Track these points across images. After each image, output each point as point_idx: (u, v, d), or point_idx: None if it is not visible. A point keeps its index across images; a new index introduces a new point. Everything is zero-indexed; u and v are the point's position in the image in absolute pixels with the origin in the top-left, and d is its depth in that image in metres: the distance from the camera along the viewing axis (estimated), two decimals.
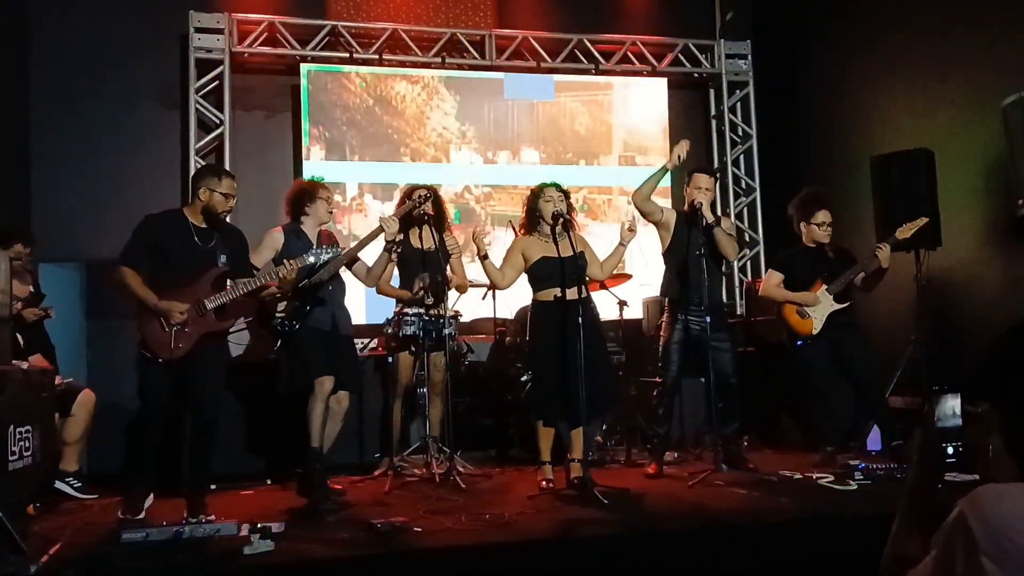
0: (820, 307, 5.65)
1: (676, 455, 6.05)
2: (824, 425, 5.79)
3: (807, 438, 6.18)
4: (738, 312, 8.11)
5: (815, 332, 5.64)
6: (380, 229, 4.99)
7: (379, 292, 5.72)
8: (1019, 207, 5.47)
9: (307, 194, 5.23)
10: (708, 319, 5.34)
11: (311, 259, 4.69)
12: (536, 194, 5.19)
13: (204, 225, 4.52)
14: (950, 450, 1.70)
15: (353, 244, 5.07)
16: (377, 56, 7.81)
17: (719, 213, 5.86)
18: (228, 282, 4.55)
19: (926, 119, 6.66)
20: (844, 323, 5.63)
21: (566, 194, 5.19)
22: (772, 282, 5.84)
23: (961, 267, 6.22)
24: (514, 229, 5.48)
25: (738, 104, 8.75)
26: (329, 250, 4.78)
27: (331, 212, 5.24)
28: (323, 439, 5.03)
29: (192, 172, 7.23)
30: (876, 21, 7.27)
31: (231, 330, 4.70)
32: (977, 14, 6.23)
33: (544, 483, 4.93)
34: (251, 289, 4.54)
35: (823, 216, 5.73)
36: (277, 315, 4.82)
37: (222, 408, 5.62)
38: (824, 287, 5.65)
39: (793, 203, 5.94)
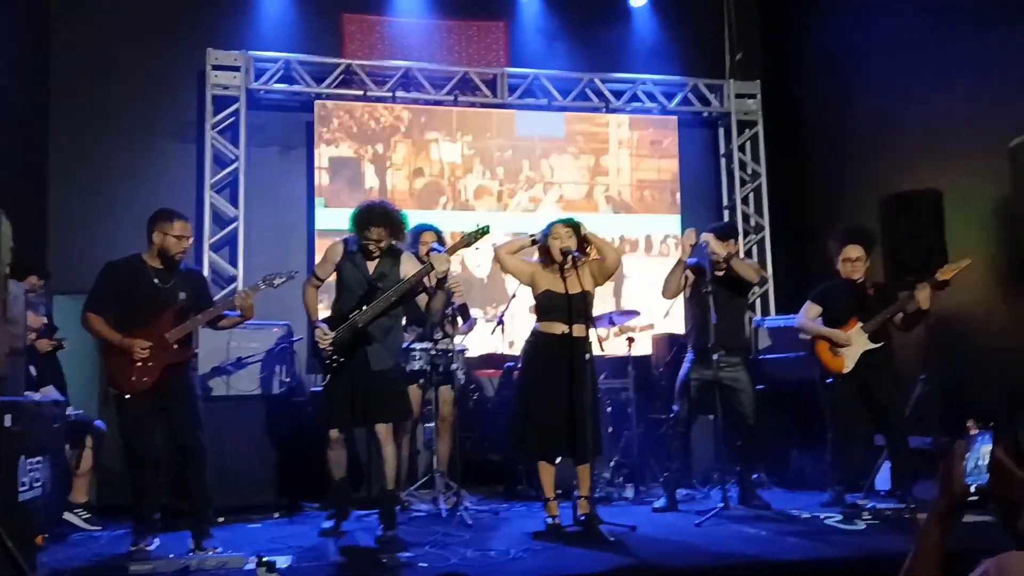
0: (854, 346, 5.53)
1: (686, 492, 6.04)
2: (840, 464, 5.69)
3: (819, 476, 6.15)
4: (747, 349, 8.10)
5: (846, 370, 5.54)
6: (430, 267, 4.76)
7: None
8: None
9: (358, 226, 4.89)
10: (725, 359, 5.37)
11: (262, 285, 4.73)
12: (545, 232, 5.23)
13: (162, 267, 4.64)
14: (973, 488, 1.68)
15: (416, 270, 4.92)
16: (390, 93, 7.93)
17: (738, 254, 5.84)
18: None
19: (934, 160, 6.69)
20: (877, 363, 5.52)
21: (577, 230, 5.16)
22: (810, 315, 5.72)
23: (970, 307, 6.22)
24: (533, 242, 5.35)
25: (747, 143, 8.81)
26: (283, 274, 4.80)
27: (372, 252, 4.86)
28: (392, 476, 4.88)
29: (207, 206, 7.39)
30: (884, 62, 7.34)
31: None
32: (985, 56, 6.28)
33: (550, 520, 4.92)
34: (211, 318, 4.68)
35: (852, 251, 5.61)
36: (326, 348, 4.76)
37: (233, 441, 5.73)
38: (859, 325, 5.53)
39: (831, 234, 5.86)
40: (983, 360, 6.18)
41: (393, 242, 4.96)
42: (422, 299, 5.00)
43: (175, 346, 4.55)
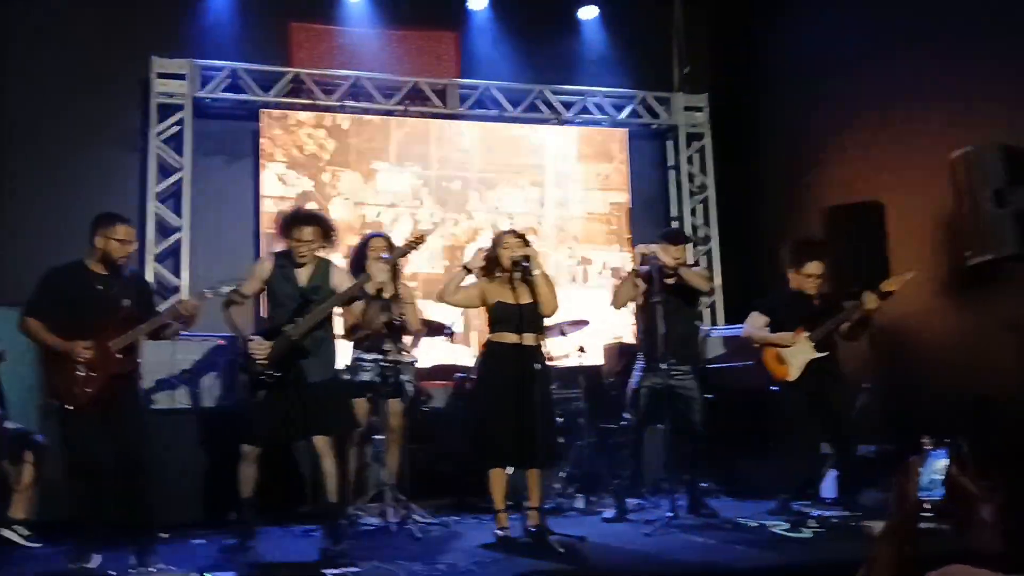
0: (799, 354, 5.55)
1: (636, 502, 6.05)
2: (787, 472, 5.73)
3: (767, 484, 6.21)
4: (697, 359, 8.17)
5: (791, 379, 5.57)
6: (367, 277, 4.73)
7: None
8: (967, 259, 5.61)
9: (285, 230, 4.82)
10: (676, 367, 5.40)
11: (209, 294, 4.60)
12: (495, 242, 5.22)
13: (105, 272, 4.53)
14: (928, 504, 1.70)
15: (346, 287, 4.87)
16: (339, 103, 7.87)
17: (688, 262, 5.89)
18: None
19: (877, 172, 6.83)
20: (823, 372, 5.54)
21: (525, 240, 5.19)
22: (756, 324, 5.75)
23: (912, 317, 6.34)
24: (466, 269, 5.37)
25: (696, 155, 8.90)
26: (232, 282, 4.68)
27: (304, 255, 4.77)
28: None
29: (151, 216, 7.26)
30: (830, 76, 7.50)
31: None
32: (926, 73, 6.44)
33: (500, 532, 4.89)
34: (155, 327, 4.55)
35: (813, 268, 5.60)
36: (259, 362, 4.64)
37: (177, 455, 5.62)
38: (805, 334, 5.56)
39: (786, 246, 5.87)
40: (926, 369, 6.32)
41: (324, 246, 4.89)
42: (357, 307, 4.91)
43: (118, 356, 4.43)
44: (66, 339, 4.37)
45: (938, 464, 1.70)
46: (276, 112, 7.73)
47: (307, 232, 4.76)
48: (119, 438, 4.47)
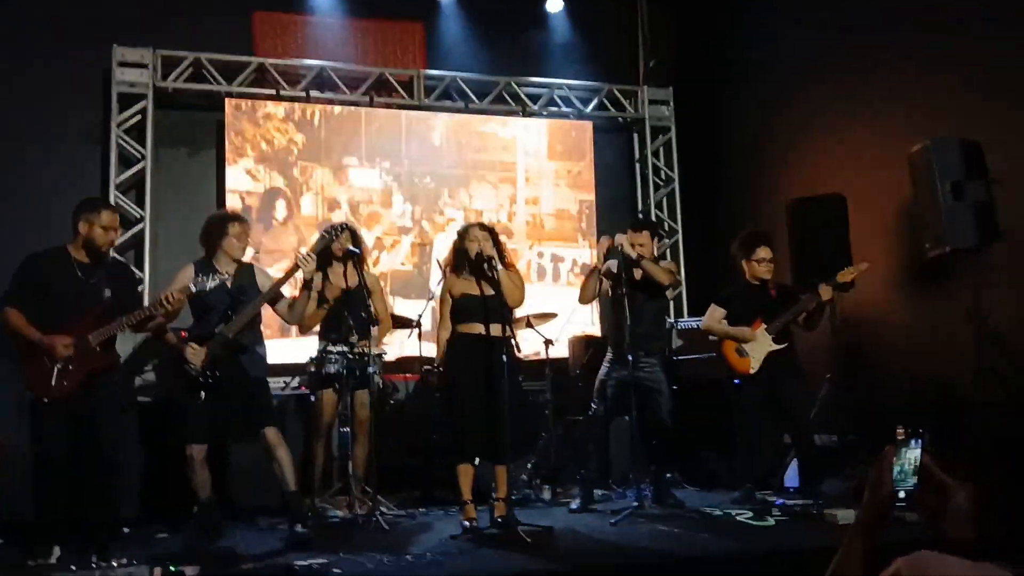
0: (759, 347, 5.64)
1: (602, 492, 6.09)
2: (749, 462, 5.82)
3: (731, 474, 6.28)
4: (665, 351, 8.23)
5: (752, 371, 5.65)
6: (296, 266, 4.88)
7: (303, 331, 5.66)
8: (926, 251, 5.70)
9: (216, 229, 5.00)
10: (644, 359, 5.42)
11: (194, 288, 4.54)
12: (461, 235, 5.22)
13: (87, 260, 4.44)
14: (902, 494, 1.72)
15: (269, 284, 4.94)
16: (304, 93, 7.80)
17: (654, 255, 5.90)
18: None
19: (840, 166, 6.92)
20: (782, 363, 5.63)
21: (492, 233, 5.20)
22: (714, 317, 5.82)
23: (873, 308, 6.44)
24: (440, 266, 5.50)
25: (661, 148, 8.96)
26: (215, 277, 4.59)
27: (243, 248, 5.01)
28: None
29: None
30: (793, 71, 7.58)
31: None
32: (887, 68, 6.53)
33: (467, 523, 4.90)
34: (137, 320, 4.46)
35: (763, 252, 5.73)
36: (192, 365, 4.61)
37: (137, 449, 5.55)
38: (763, 327, 5.65)
39: (736, 242, 5.95)
40: (886, 359, 6.42)
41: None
42: (283, 306, 4.99)
43: (97, 349, 4.34)
44: (44, 328, 4.27)
45: (911, 454, 1.73)
46: (243, 103, 7.63)
47: (237, 227, 4.97)
48: (92, 435, 4.39)
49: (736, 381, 5.77)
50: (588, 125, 8.69)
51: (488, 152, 8.33)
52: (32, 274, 4.40)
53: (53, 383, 4.24)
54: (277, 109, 7.73)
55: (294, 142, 7.74)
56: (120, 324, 4.40)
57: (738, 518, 5.13)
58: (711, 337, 5.94)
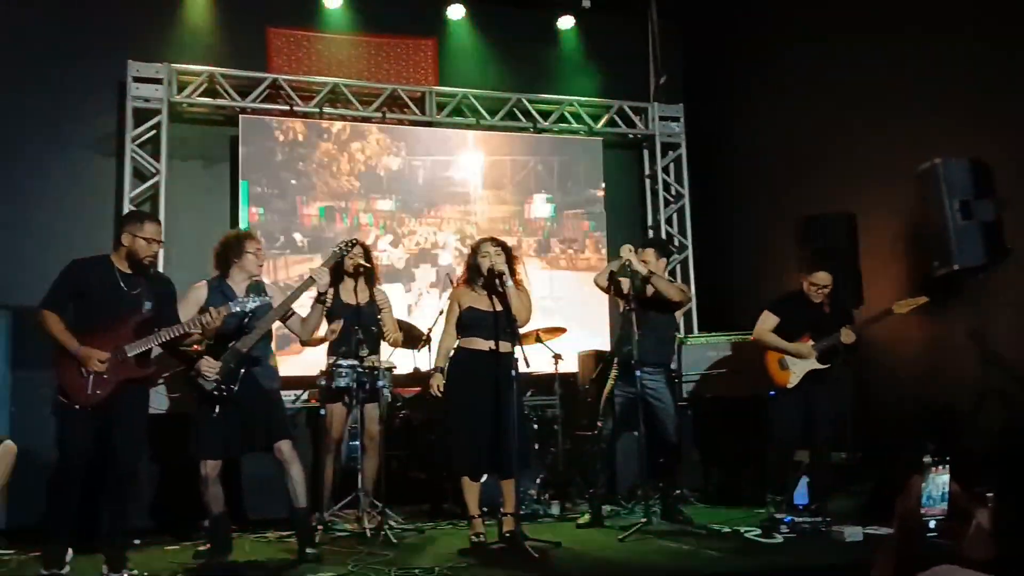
0: (802, 362, 5.59)
1: (610, 508, 6.10)
2: (782, 476, 5.67)
3: (739, 491, 6.28)
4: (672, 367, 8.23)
5: (790, 385, 5.61)
6: (311, 281, 4.87)
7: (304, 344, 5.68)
8: (934, 269, 5.71)
9: (233, 247, 5.01)
10: (639, 374, 5.43)
11: (236, 308, 4.56)
12: (474, 249, 5.26)
13: (130, 271, 4.48)
14: (932, 524, 1.72)
15: (282, 299, 4.95)
16: (317, 109, 7.88)
17: (664, 275, 5.88)
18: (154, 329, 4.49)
19: (849, 183, 6.94)
20: (821, 380, 5.59)
21: (506, 249, 5.20)
22: (767, 325, 5.74)
23: (879, 325, 6.42)
24: (451, 281, 5.54)
25: (671, 164, 8.99)
26: (256, 299, 4.63)
27: (260, 265, 5.03)
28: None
29: None
30: (803, 88, 7.61)
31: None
32: (897, 86, 6.55)
33: (475, 537, 4.91)
34: (174, 337, 4.46)
35: (821, 278, 5.60)
36: (207, 379, 4.63)
37: (151, 461, 5.59)
38: (810, 343, 5.59)
39: (803, 253, 5.92)
40: (893, 378, 6.41)
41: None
42: (294, 322, 4.99)
43: (133, 360, 4.35)
44: (83, 334, 4.30)
45: (940, 480, 1.73)
46: (256, 118, 7.72)
47: (253, 244, 4.98)
48: (114, 444, 4.38)
49: (772, 393, 5.72)
50: (596, 142, 8.72)
51: (496, 168, 8.40)
52: (74, 280, 4.41)
53: (88, 391, 4.25)
54: (288, 121, 7.81)
55: (304, 155, 7.81)
56: (157, 337, 4.40)
57: (746, 535, 5.13)
58: (763, 347, 5.78)
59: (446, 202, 8.20)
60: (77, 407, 4.26)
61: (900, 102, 6.52)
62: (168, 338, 4.42)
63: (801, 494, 5.93)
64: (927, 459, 1.77)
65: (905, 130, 6.42)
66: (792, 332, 5.66)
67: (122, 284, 4.43)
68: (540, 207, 8.48)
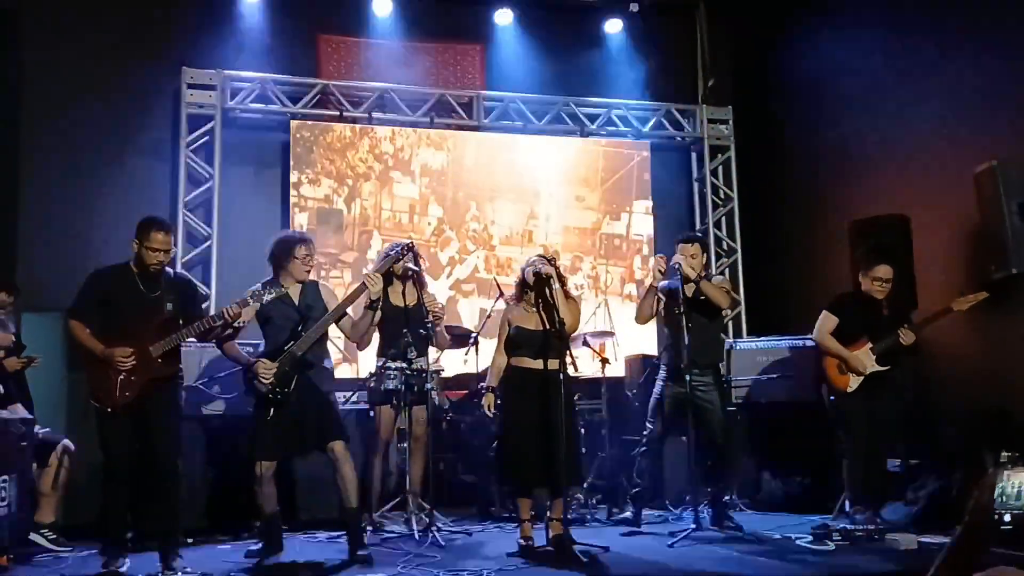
0: (862, 366, 5.53)
1: (658, 513, 6.06)
2: (859, 478, 5.53)
3: (790, 498, 6.20)
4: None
5: (850, 390, 5.54)
6: (363, 287, 4.93)
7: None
8: (992, 272, 5.59)
9: (283, 252, 5.05)
10: (688, 378, 5.38)
11: (253, 300, 4.61)
12: (524, 267, 5.26)
13: (147, 275, 4.57)
14: (1007, 517, 1.71)
15: (336, 303, 5.00)
16: (367, 115, 7.96)
17: (711, 271, 5.87)
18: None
19: (902, 185, 6.82)
20: (881, 385, 5.52)
21: (553, 263, 5.18)
22: (826, 327, 5.64)
23: (937, 331, 6.29)
24: (500, 290, 5.54)
25: (720, 168, 8.92)
26: (272, 290, 4.67)
27: (307, 271, 5.04)
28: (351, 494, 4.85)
29: (180, 225, 7.36)
30: (853, 89, 7.50)
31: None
32: (951, 84, 6.43)
33: (523, 541, 4.92)
34: (199, 332, 4.57)
35: (883, 271, 5.52)
36: (263, 382, 4.70)
37: (203, 461, 5.69)
38: (869, 346, 5.54)
39: (859, 251, 5.84)
40: (949, 383, 6.28)
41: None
42: (346, 323, 5.02)
43: (159, 360, 4.47)
44: (107, 340, 4.42)
45: (1017, 478, 1.73)
46: (306, 123, 7.83)
47: (304, 249, 5.00)
48: (152, 443, 4.51)
49: (832, 397, 5.64)
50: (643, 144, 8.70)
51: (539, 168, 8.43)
52: (95, 289, 4.57)
53: (117, 393, 4.38)
54: (338, 127, 7.90)
55: (355, 159, 7.90)
56: (181, 335, 4.52)
57: (798, 542, 5.06)
58: (824, 351, 5.69)
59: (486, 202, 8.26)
60: (109, 409, 4.38)
61: (956, 102, 6.39)
62: (192, 334, 4.56)
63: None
64: (1003, 455, 1.76)
65: (961, 131, 6.30)
66: (850, 334, 5.58)
67: (142, 288, 4.55)
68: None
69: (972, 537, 1.73)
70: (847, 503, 5.59)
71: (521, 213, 8.32)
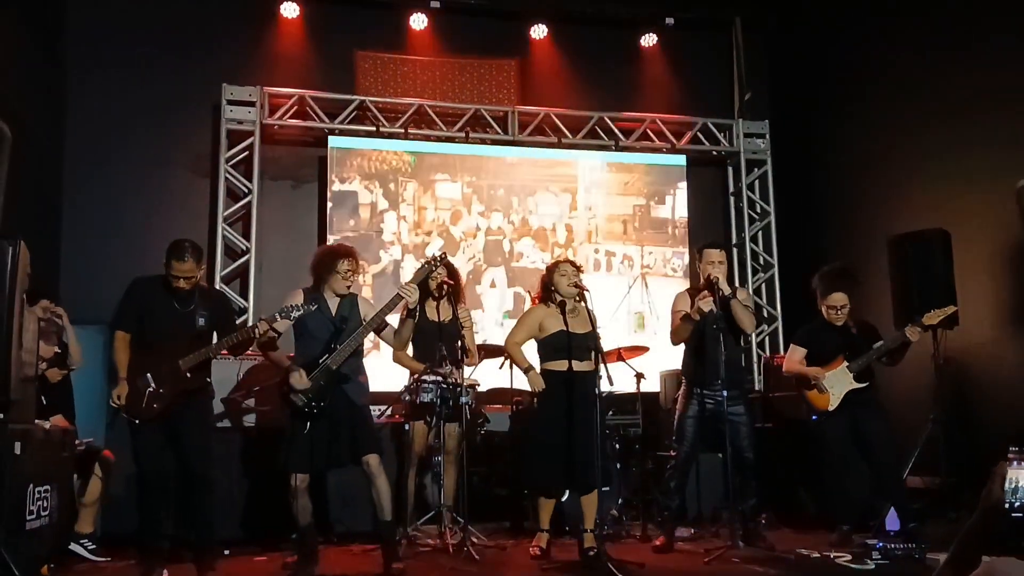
0: (839, 384, 5.55)
1: (692, 531, 6.00)
2: (838, 502, 5.68)
3: (823, 515, 6.11)
4: (756, 387, 8.08)
5: (831, 408, 5.56)
6: (399, 298, 4.92)
7: (395, 360, 5.76)
8: None
9: (325, 265, 5.03)
10: (725, 393, 5.33)
11: (281, 317, 4.63)
12: (551, 269, 5.27)
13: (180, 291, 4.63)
14: (1017, 504, 1.71)
15: (372, 315, 5.01)
16: (403, 130, 8.03)
17: (736, 284, 5.85)
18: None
19: (943, 199, 6.73)
20: (863, 401, 5.54)
21: (579, 269, 5.23)
22: (794, 358, 5.77)
23: (978, 347, 6.21)
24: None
25: (756, 182, 8.87)
26: (299, 307, 4.67)
27: (348, 285, 4.99)
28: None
29: (219, 239, 7.46)
30: (893, 102, 7.42)
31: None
32: (993, 96, 6.34)
33: (535, 550, 4.91)
34: (231, 345, 4.63)
35: (836, 299, 5.61)
36: (298, 395, 4.72)
37: (239, 472, 5.73)
38: (845, 364, 5.56)
39: (816, 277, 5.87)
40: (992, 400, 6.17)
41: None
42: (388, 334, 5.02)
43: (188, 375, 4.54)
44: (142, 352, 4.51)
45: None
46: (345, 139, 7.92)
47: (347, 264, 4.94)
48: (184, 454, 4.57)
49: (814, 417, 5.67)
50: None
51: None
52: (135, 298, 4.65)
53: (144, 405, 4.45)
54: (376, 142, 7.99)
55: (392, 171, 8.01)
56: (211, 349, 4.59)
57: (837, 561, 4.98)
58: (791, 377, 5.85)
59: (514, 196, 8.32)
60: (138, 421, 4.44)
61: (995, 116, 6.30)
62: (221, 349, 4.63)
63: (892, 519, 5.75)
64: (1012, 450, 1.75)
65: (1002, 145, 6.20)
66: (825, 359, 5.62)
67: (176, 303, 4.61)
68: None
69: (984, 526, 1.73)
70: (839, 524, 5.56)
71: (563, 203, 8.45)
